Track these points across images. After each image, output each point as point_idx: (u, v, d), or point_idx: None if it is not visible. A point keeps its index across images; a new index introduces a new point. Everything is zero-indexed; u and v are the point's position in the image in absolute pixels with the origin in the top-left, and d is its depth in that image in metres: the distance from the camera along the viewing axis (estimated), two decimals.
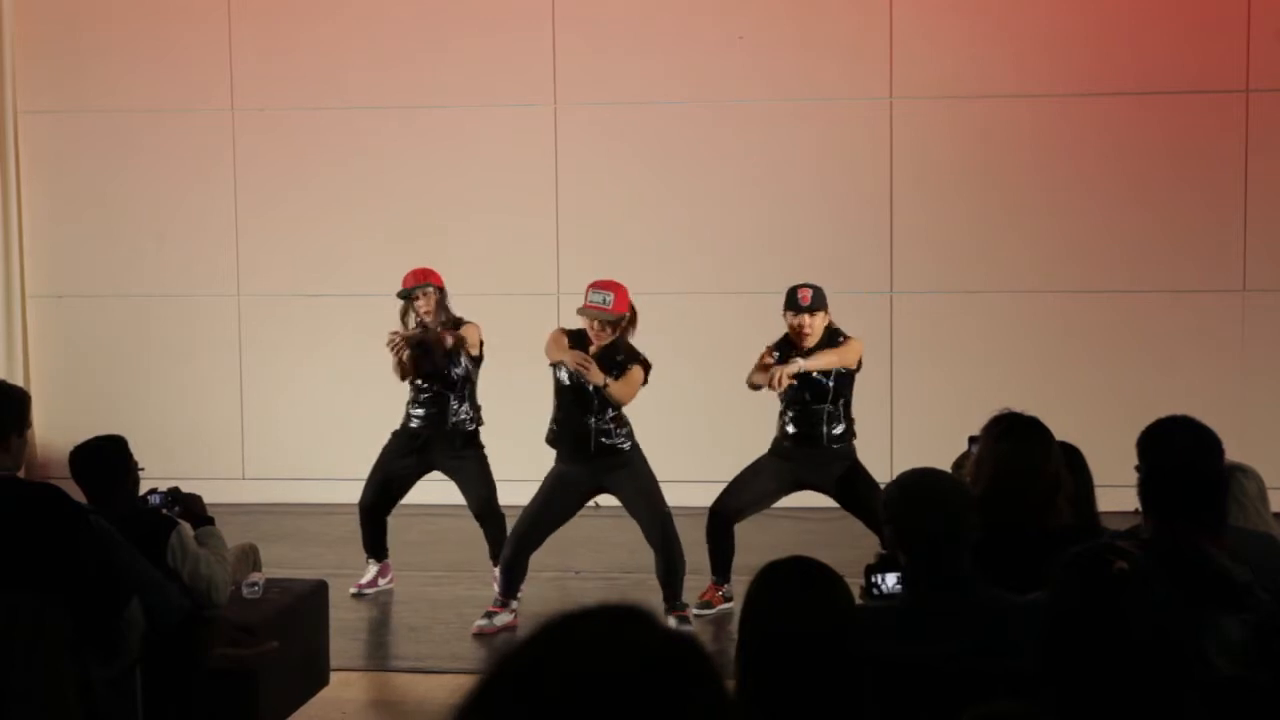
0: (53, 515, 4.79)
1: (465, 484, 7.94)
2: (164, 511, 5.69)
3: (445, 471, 8.00)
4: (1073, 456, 4.73)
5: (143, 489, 5.71)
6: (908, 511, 3.77)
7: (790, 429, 7.58)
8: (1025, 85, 9.93)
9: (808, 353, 7.46)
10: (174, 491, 5.86)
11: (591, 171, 10.29)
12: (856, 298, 9.79)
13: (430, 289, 7.84)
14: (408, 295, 7.89)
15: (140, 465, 5.64)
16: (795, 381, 7.37)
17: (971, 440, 4.97)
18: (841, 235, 10.06)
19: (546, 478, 7.56)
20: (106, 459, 5.51)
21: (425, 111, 10.41)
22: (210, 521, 5.79)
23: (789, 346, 7.57)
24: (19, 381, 9.93)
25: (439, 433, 7.90)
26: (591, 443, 7.40)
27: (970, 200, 10.01)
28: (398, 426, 8.06)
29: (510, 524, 7.69)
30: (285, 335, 10.62)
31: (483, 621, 7.43)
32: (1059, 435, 4.63)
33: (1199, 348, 9.83)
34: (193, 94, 10.59)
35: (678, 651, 1.58)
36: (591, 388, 7.30)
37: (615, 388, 7.31)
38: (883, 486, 7.44)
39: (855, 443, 7.63)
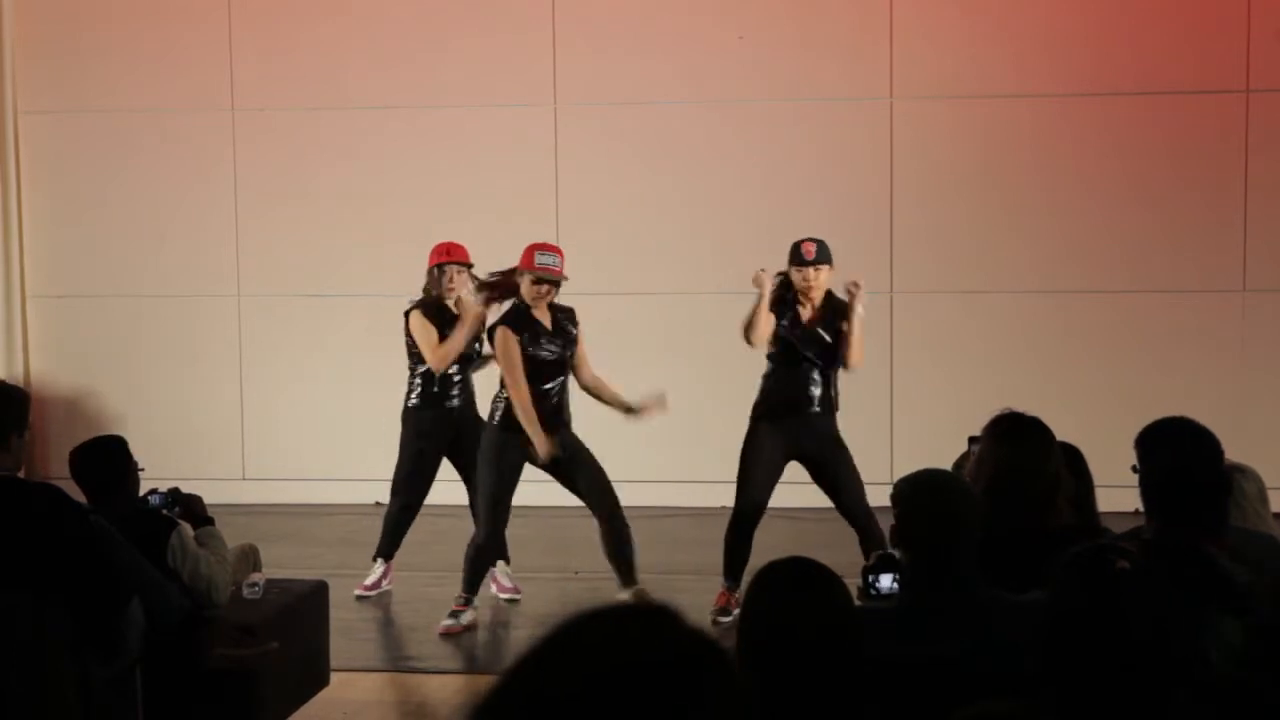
0: (53, 515, 4.79)
1: (471, 475, 7.92)
2: (164, 512, 5.69)
3: (467, 457, 7.89)
4: (1073, 457, 4.72)
5: (143, 489, 5.71)
6: (913, 511, 3.78)
7: (774, 389, 7.47)
8: (1025, 85, 9.93)
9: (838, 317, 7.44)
10: (174, 492, 5.86)
11: (591, 171, 10.28)
12: None
13: (465, 270, 7.92)
14: (441, 270, 7.94)
15: (140, 465, 5.64)
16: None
17: (971, 440, 4.97)
18: (841, 235, 10.02)
19: (491, 450, 7.40)
20: (107, 459, 5.52)
21: (425, 111, 10.41)
22: (210, 522, 5.79)
23: (793, 300, 7.45)
24: (19, 381, 9.93)
25: (469, 414, 7.94)
26: (565, 412, 7.41)
27: (970, 200, 10.00)
28: (424, 409, 7.99)
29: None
30: (285, 335, 10.62)
31: (449, 621, 7.42)
32: (1059, 435, 4.63)
33: (1199, 348, 9.83)
34: (193, 94, 10.58)
35: (694, 650, 1.58)
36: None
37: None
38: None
39: (838, 415, 7.52)
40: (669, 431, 9.76)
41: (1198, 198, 9.84)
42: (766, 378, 7.54)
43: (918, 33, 9.96)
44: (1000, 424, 4.60)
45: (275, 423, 10.60)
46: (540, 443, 7.26)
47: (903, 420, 9.85)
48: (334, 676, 6.31)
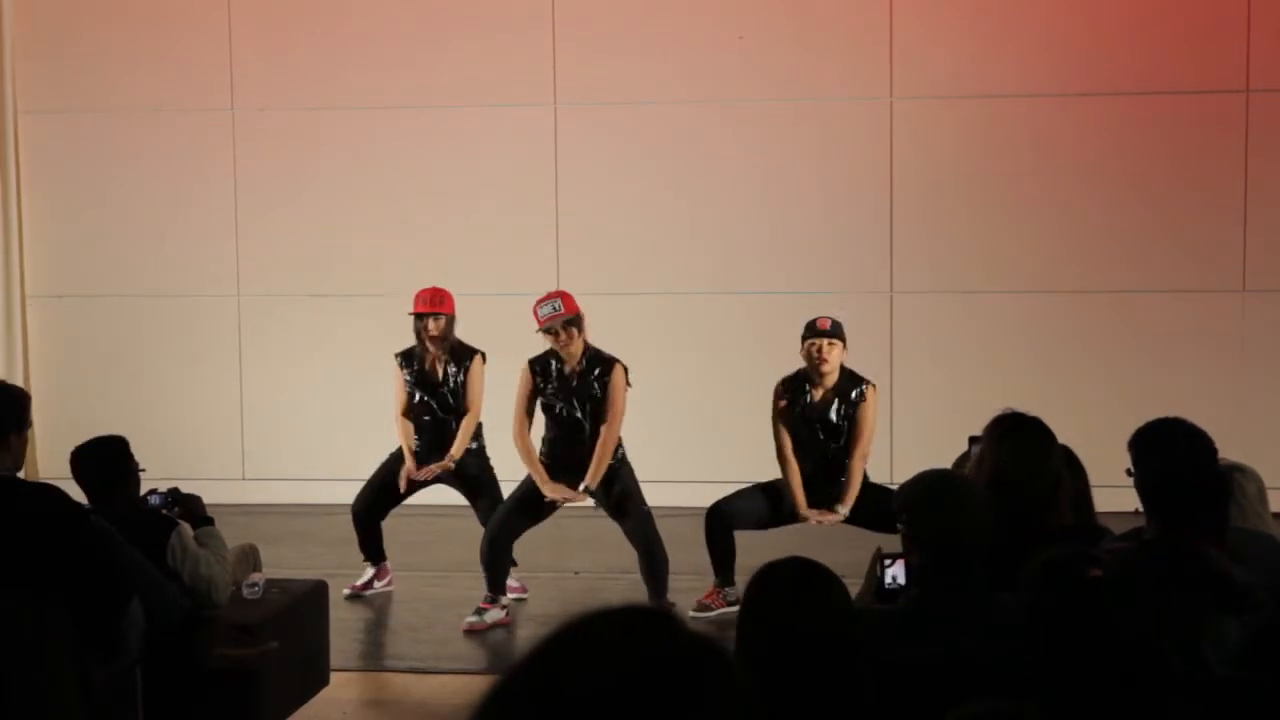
0: (53, 515, 4.80)
1: (475, 500, 8.01)
2: (164, 511, 5.69)
3: (456, 487, 8.04)
4: (1067, 456, 4.73)
5: (143, 489, 5.71)
6: (922, 513, 3.79)
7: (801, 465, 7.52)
8: (1025, 85, 9.93)
9: (841, 494, 7.41)
10: (174, 492, 5.86)
11: (591, 171, 10.28)
12: (856, 298, 9.79)
13: (442, 318, 7.93)
14: (420, 318, 7.97)
15: (140, 465, 5.64)
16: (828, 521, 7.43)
17: (972, 440, 4.97)
18: (841, 235, 10.06)
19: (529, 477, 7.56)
20: (107, 459, 5.51)
21: (425, 111, 10.41)
22: (210, 522, 5.79)
23: (803, 381, 7.51)
24: (19, 381, 9.93)
25: (440, 456, 7.96)
26: (581, 465, 7.45)
27: (970, 200, 10.01)
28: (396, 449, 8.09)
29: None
30: (285, 335, 10.62)
31: (473, 618, 7.42)
32: (1059, 435, 4.63)
33: (1199, 348, 9.83)
34: (193, 94, 10.59)
35: (694, 651, 1.58)
36: (585, 425, 7.42)
37: (608, 434, 7.40)
38: (885, 487, 7.47)
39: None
40: (667, 431, 9.77)
41: (1198, 198, 9.84)
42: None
43: (918, 33, 9.96)
44: (1001, 424, 4.60)
45: (275, 423, 10.61)
46: (538, 479, 7.44)
47: (903, 420, 9.85)
48: (334, 676, 6.31)
